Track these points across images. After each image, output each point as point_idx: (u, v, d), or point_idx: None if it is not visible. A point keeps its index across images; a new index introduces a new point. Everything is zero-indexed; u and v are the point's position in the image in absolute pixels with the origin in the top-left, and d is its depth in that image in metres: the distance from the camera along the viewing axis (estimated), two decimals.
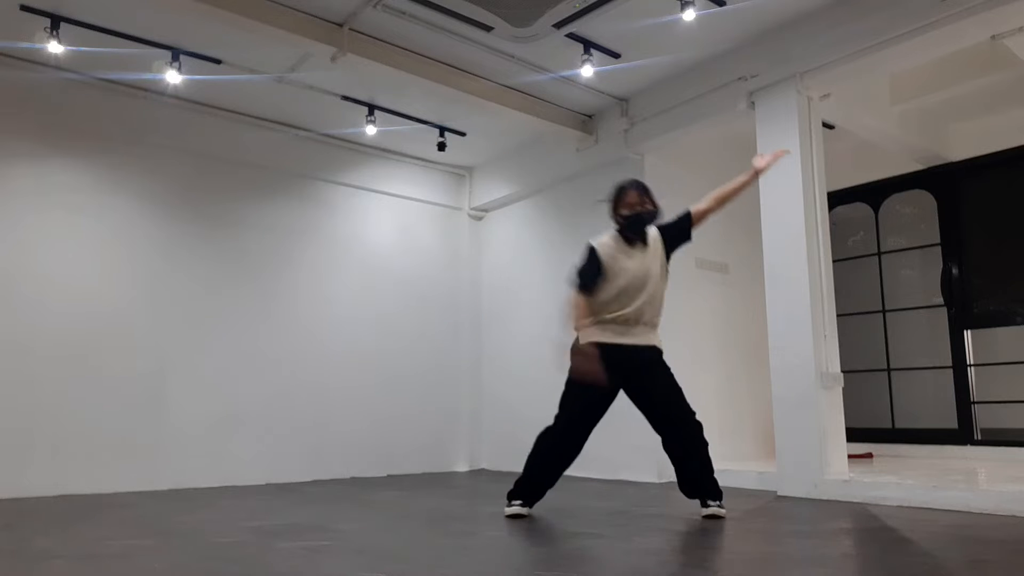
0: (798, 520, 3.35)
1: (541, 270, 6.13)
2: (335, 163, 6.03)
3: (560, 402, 3.50)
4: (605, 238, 3.53)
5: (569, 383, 3.49)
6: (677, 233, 3.57)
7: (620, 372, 3.40)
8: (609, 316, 3.41)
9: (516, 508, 3.50)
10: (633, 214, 3.47)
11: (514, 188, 6.39)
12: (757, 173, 3.62)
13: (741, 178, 3.59)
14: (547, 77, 5.02)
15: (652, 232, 3.54)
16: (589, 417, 3.47)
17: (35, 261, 4.64)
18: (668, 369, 3.48)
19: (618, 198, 3.53)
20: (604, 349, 3.38)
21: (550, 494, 3.63)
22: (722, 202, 3.59)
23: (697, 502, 3.49)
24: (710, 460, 3.46)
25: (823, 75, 4.33)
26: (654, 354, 3.47)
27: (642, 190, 3.51)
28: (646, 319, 3.44)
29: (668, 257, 3.55)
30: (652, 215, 3.51)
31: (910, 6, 3.92)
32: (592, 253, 3.49)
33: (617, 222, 3.51)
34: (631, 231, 3.48)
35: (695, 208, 3.58)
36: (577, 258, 3.55)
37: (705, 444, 3.45)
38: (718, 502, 3.41)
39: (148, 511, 3.81)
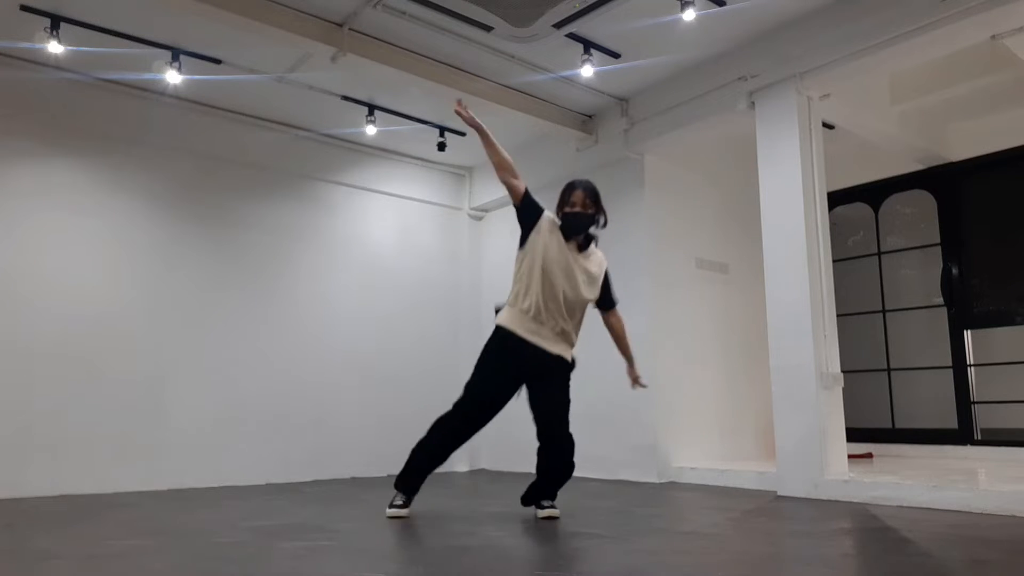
0: (798, 520, 3.35)
1: None
2: (335, 163, 6.03)
3: (465, 387, 3.49)
4: (554, 217, 3.53)
5: (479, 366, 3.48)
6: (605, 294, 3.57)
7: (524, 368, 3.41)
8: (524, 307, 3.40)
9: (397, 510, 3.50)
10: (572, 213, 3.44)
11: None
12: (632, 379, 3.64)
13: (626, 355, 3.63)
14: (547, 77, 5.02)
15: (600, 258, 3.56)
16: (494, 404, 3.46)
17: (35, 261, 4.64)
18: (566, 384, 3.47)
19: (564, 195, 3.50)
20: (515, 339, 3.39)
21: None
22: (616, 340, 3.64)
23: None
24: (566, 478, 3.52)
25: (823, 75, 4.33)
26: (558, 364, 3.44)
27: (588, 193, 3.46)
28: (560, 326, 3.41)
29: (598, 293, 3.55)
30: (590, 219, 3.46)
31: (910, 6, 3.92)
32: (538, 210, 3.49)
33: (559, 217, 3.50)
34: (567, 231, 3.46)
35: (611, 316, 3.61)
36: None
37: (571, 467, 3.49)
38: (551, 501, 3.51)
39: (148, 511, 3.81)
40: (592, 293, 3.49)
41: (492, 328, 3.51)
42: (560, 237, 3.45)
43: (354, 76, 4.92)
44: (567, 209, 3.46)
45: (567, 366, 3.48)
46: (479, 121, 3.44)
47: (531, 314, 3.40)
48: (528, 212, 3.49)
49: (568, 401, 3.47)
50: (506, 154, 3.47)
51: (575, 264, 3.44)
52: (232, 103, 5.39)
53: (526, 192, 3.51)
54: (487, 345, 3.51)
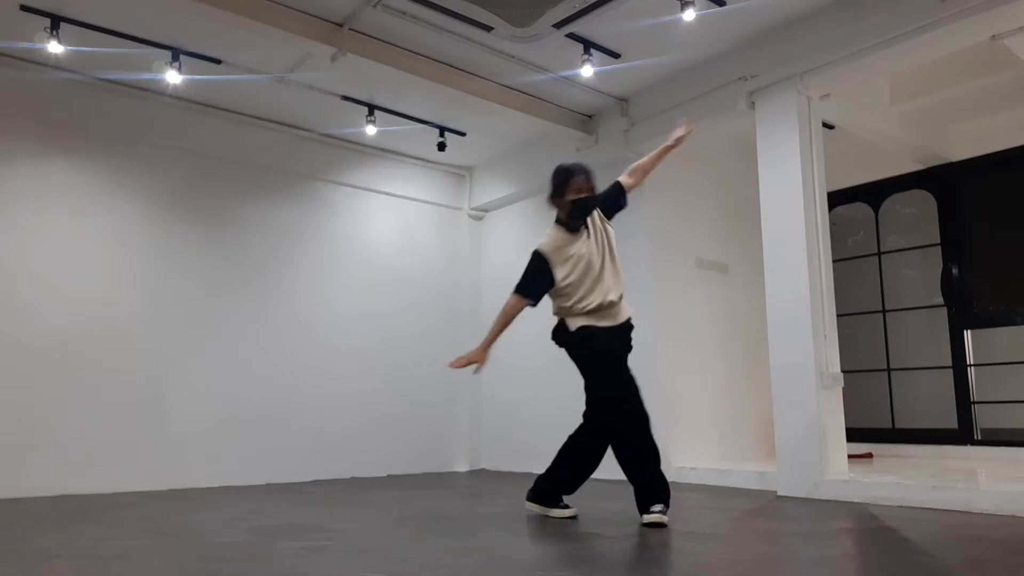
0: (798, 520, 3.35)
1: None
2: (335, 163, 6.03)
3: (601, 398, 3.35)
4: (548, 239, 3.45)
5: (593, 370, 3.39)
6: (614, 204, 3.58)
7: (618, 347, 3.42)
8: (593, 306, 3.37)
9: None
10: (580, 199, 3.38)
11: (514, 188, 6.39)
12: (676, 142, 3.66)
13: (659, 149, 3.67)
14: (547, 77, 5.02)
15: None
16: (629, 381, 3.39)
17: (35, 261, 4.64)
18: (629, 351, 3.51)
19: (565, 182, 3.41)
20: (600, 329, 3.38)
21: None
22: (645, 174, 3.69)
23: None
24: (595, 461, 3.44)
25: (823, 75, 4.33)
26: (630, 332, 3.51)
27: (589, 176, 3.43)
28: (616, 296, 3.43)
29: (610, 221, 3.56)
30: (596, 200, 3.45)
31: (910, 6, 3.92)
32: (542, 262, 3.40)
33: (562, 207, 3.42)
34: (577, 216, 3.41)
35: (624, 181, 3.61)
36: (526, 265, 3.45)
37: (604, 447, 3.39)
38: (563, 503, 3.50)
39: (148, 511, 3.81)
40: (612, 245, 3.50)
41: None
42: (568, 239, 3.41)
43: (354, 76, 4.92)
44: (574, 196, 3.38)
45: (631, 329, 3.51)
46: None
47: (591, 311, 3.38)
48: (541, 275, 3.41)
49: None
50: (504, 321, 3.44)
51: (591, 244, 3.42)
52: (232, 103, 5.39)
53: (521, 295, 3.42)
54: (580, 353, 3.42)
